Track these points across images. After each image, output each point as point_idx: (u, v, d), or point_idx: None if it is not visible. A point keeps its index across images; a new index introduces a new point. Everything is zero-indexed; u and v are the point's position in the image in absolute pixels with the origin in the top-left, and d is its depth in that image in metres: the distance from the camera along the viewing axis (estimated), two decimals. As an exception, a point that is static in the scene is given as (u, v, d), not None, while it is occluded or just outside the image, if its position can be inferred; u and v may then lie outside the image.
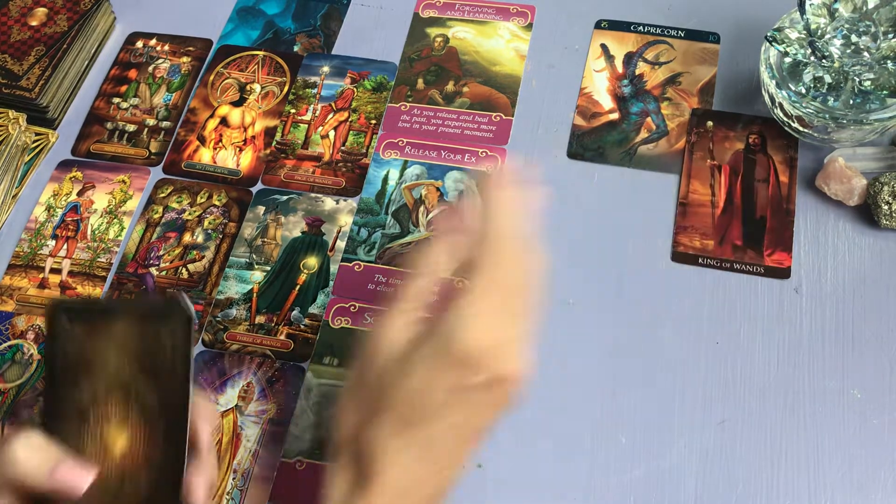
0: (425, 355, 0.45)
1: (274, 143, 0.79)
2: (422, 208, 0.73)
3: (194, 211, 0.76)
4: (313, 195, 0.75)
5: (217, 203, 0.76)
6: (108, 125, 0.82)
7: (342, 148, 0.77)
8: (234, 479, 0.64)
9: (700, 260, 0.67)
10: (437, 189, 0.74)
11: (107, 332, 0.50)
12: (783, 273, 0.66)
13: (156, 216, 0.76)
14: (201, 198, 0.76)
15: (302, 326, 0.69)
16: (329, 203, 0.75)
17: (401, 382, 0.45)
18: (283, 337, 0.69)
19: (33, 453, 0.47)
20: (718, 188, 0.70)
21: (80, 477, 0.47)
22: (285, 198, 0.75)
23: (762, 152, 0.71)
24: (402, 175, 0.75)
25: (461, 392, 0.45)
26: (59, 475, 0.47)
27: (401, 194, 0.74)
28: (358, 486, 0.45)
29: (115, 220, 0.76)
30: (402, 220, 0.73)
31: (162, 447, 0.50)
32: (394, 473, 0.45)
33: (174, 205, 0.76)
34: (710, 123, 0.73)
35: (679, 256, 0.68)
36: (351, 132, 0.78)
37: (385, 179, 0.75)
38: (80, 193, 0.78)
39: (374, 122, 0.78)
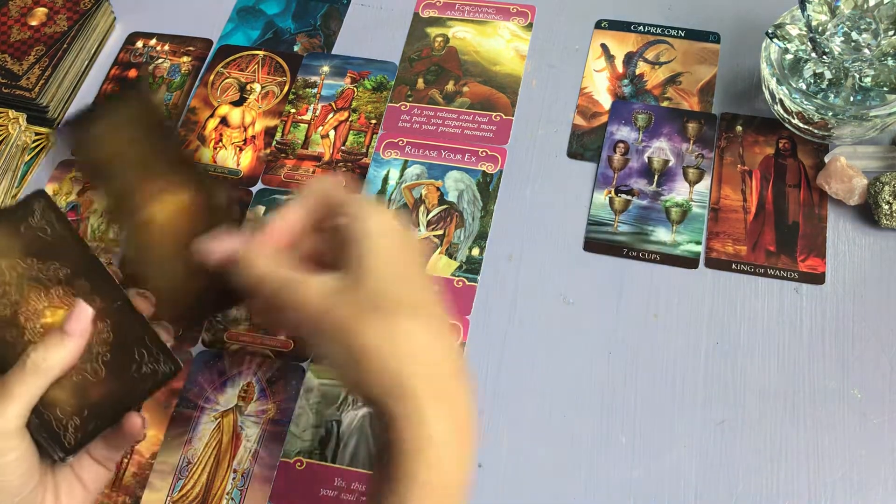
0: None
1: (274, 142, 0.79)
2: (422, 208, 0.73)
3: (194, 211, 0.76)
4: (313, 195, 0.75)
5: (217, 203, 0.76)
6: (109, 125, 0.82)
7: (342, 148, 0.77)
8: (234, 478, 0.64)
9: (734, 266, 0.66)
10: (437, 189, 0.74)
11: None
12: (817, 279, 0.66)
13: (156, 216, 0.76)
14: (201, 198, 0.76)
15: (302, 326, 0.69)
16: (329, 203, 0.75)
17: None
18: (283, 337, 0.69)
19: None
20: (749, 193, 0.70)
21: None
22: (285, 198, 0.75)
23: (792, 157, 0.71)
24: (402, 175, 0.75)
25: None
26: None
27: (401, 194, 0.74)
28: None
29: (115, 220, 0.76)
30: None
31: (100, 295, 0.53)
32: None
33: (174, 205, 0.76)
34: (738, 128, 0.73)
35: (712, 263, 0.67)
36: (351, 132, 0.78)
37: (385, 179, 0.75)
38: (80, 193, 0.78)
39: (374, 121, 0.78)
